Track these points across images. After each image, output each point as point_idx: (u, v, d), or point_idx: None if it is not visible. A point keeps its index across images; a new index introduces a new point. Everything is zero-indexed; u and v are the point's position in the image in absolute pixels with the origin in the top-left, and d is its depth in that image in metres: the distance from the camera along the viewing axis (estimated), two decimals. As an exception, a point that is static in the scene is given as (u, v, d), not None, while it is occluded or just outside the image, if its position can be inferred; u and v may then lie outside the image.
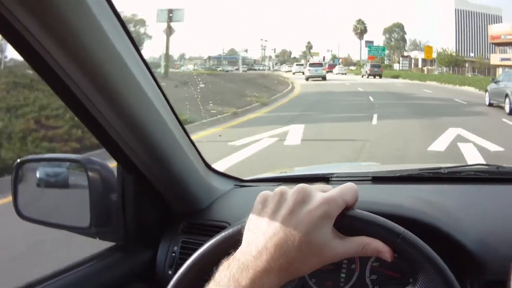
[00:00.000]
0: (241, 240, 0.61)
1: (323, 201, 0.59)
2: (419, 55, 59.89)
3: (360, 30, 68.98)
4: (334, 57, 73.68)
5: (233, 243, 0.65)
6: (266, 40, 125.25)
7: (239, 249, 0.60)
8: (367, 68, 42.99)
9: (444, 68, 54.32)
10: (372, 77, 38.84)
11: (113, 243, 1.10)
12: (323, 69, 34.46)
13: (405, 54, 65.97)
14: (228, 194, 1.24)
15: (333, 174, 1.30)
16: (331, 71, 51.89)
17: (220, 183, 1.25)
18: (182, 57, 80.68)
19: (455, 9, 66.95)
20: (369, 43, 64.84)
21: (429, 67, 53.26)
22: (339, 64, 61.44)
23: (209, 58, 77.65)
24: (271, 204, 0.61)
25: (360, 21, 69.51)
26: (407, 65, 60.86)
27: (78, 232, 1.06)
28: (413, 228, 0.63)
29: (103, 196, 1.01)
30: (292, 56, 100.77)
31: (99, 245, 1.09)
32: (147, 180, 1.03)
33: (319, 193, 0.60)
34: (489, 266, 0.90)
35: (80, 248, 1.11)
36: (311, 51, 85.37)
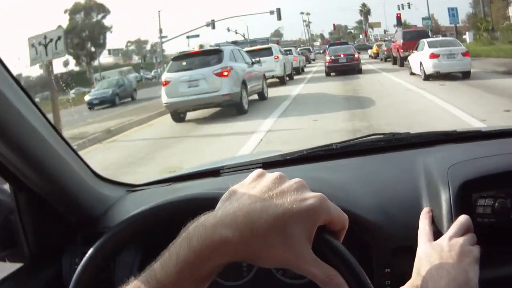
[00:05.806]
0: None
1: (316, 197, 0.53)
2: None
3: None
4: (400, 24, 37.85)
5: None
6: (308, 14, 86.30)
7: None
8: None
9: None
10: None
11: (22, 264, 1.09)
12: (293, 58, 15.11)
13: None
14: (121, 200, 1.24)
15: (223, 166, 1.31)
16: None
17: (111, 190, 1.25)
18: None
19: None
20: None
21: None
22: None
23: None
24: (265, 181, 0.55)
25: None
26: None
27: None
28: None
29: (3, 218, 1.04)
30: (348, 30, 72.97)
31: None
32: (38, 195, 1.02)
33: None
34: (393, 234, 0.89)
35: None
36: (369, 19, 56.36)
